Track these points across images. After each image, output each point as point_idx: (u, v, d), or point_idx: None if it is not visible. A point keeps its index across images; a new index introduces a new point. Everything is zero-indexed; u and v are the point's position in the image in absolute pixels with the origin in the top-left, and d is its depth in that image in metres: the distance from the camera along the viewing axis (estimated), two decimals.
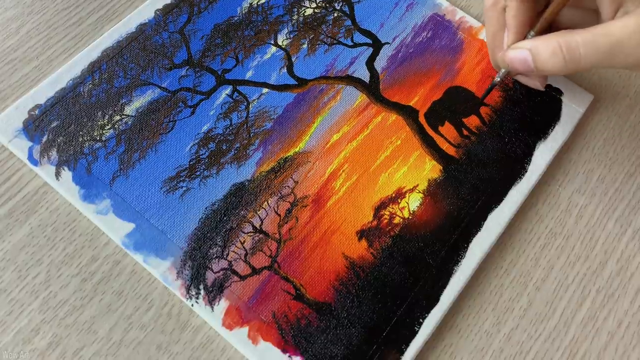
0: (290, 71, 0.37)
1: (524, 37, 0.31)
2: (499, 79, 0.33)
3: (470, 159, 0.35)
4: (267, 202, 0.33)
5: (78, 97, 0.35)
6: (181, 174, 0.33)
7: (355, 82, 0.37)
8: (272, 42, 0.38)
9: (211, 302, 0.30)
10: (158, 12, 0.38)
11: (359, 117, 0.36)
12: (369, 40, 0.39)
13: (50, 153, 0.33)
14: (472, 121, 0.36)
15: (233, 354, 0.30)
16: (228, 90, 0.36)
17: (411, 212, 0.33)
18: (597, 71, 0.39)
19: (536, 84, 0.34)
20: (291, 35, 0.38)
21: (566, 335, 0.31)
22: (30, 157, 0.33)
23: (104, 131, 0.34)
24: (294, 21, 0.39)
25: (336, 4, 0.40)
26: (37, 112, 0.34)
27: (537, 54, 0.29)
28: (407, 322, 0.30)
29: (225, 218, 0.32)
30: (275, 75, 0.37)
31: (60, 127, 0.34)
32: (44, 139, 0.33)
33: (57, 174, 0.32)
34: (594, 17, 0.31)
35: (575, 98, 0.37)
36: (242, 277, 0.31)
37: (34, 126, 0.34)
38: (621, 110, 0.38)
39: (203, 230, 0.32)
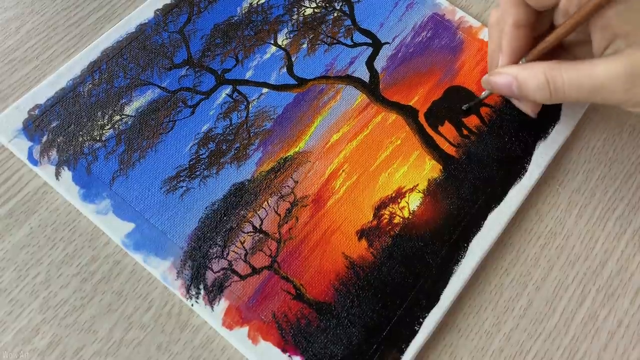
0: (290, 71, 0.37)
1: (517, 62, 0.31)
2: (482, 97, 0.35)
3: (470, 158, 0.35)
4: (267, 202, 0.33)
5: (78, 97, 0.35)
6: (181, 174, 0.33)
7: (355, 81, 0.37)
8: (272, 42, 0.38)
9: (211, 301, 0.30)
10: (158, 12, 0.38)
11: (359, 117, 0.36)
12: (368, 40, 0.39)
13: (50, 153, 0.33)
14: (472, 121, 0.36)
15: (233, 354, 0.30)
16: (228, 90, 0.36)
17: (411, 211, 0.33)
18: None
19: (527, 110, 0.33)
20: (291, 35, 0.38)
21: (566, 335, 0.31)
22: (30, 157, 0.33)
23: (103, 131, 0.34)
24: (293, 21, 0.39)
25: (336, 4, 0.40)
26: (37, 112, 0.34)
27: (523, 84, 0.29)
28: (407, 321, 0.30)
29: (225, 218, 0.32)
30: (275, 75, 0.37)
31: (60, 127, 0.34)
32: (44, 139, 0.33)
33: (57, 174, 0.32)
34: (587, 41, 0.30)
35: None
36: (242, 277, 0.31)
37: (34, 126, 0.34)
38: (621, 110, 0.38)
39: (203, 230, 0.32)
